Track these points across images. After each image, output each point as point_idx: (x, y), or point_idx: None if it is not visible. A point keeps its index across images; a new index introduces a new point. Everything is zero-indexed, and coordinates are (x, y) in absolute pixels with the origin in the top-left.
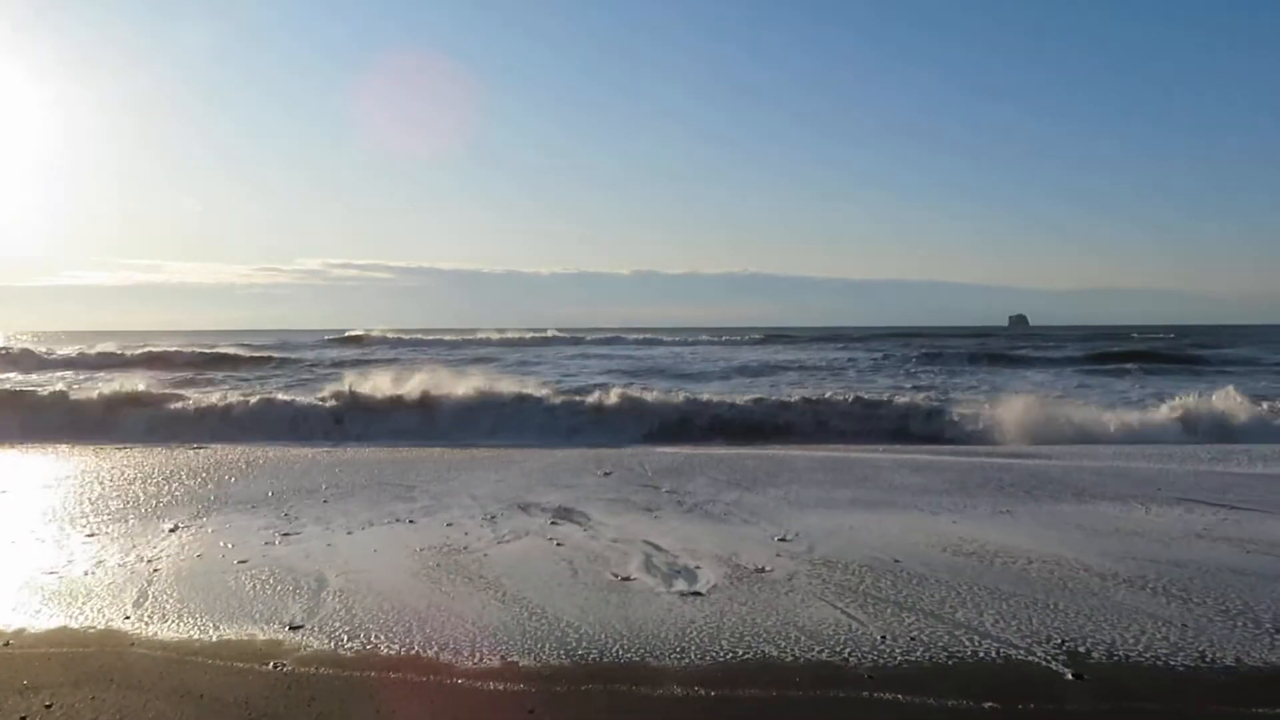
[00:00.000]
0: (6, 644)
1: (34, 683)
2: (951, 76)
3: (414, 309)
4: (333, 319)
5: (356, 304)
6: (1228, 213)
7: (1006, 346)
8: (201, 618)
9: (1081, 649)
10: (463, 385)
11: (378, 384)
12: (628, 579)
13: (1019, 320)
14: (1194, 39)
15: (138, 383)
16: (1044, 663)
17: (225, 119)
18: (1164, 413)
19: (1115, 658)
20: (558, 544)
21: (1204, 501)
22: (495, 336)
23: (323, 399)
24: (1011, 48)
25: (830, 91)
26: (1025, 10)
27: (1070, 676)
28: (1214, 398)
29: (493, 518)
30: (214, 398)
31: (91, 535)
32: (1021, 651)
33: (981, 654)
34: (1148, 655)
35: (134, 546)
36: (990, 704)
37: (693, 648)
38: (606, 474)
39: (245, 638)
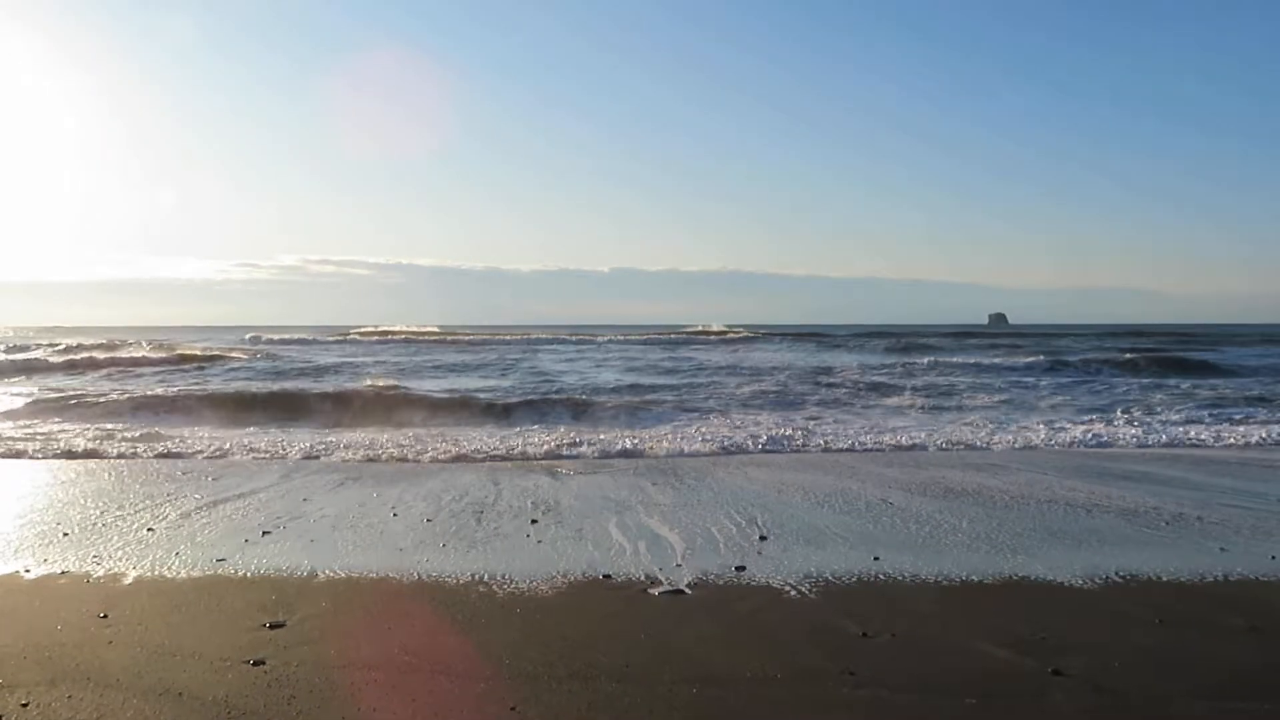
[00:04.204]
0: None
1: (10, 681)
2: (932, 73)
3: (393, 306)
4: (313, 315)
5: (336, 300)
6: (1210, 212)
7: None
8: (180, 615)
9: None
10: None
11: None
12: (609, 576)
13: (998, 318)
14: (1180, 37)
15: None
16: (1023, 660)
17: (201, 113)
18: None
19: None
20: (538, 541)
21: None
22: (432, 338)
23: None
24: (992, 44)
25: (811, 88)
26: (1007, 6)
27: (1050, 673)
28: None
29: (479, 514)
30: None
31: (66, 534)
32: (992, 644)
33: (960, 650)
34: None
35: (111, 547)
36: (970, 700)
37: (674, 644)
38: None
39: (224, 635)
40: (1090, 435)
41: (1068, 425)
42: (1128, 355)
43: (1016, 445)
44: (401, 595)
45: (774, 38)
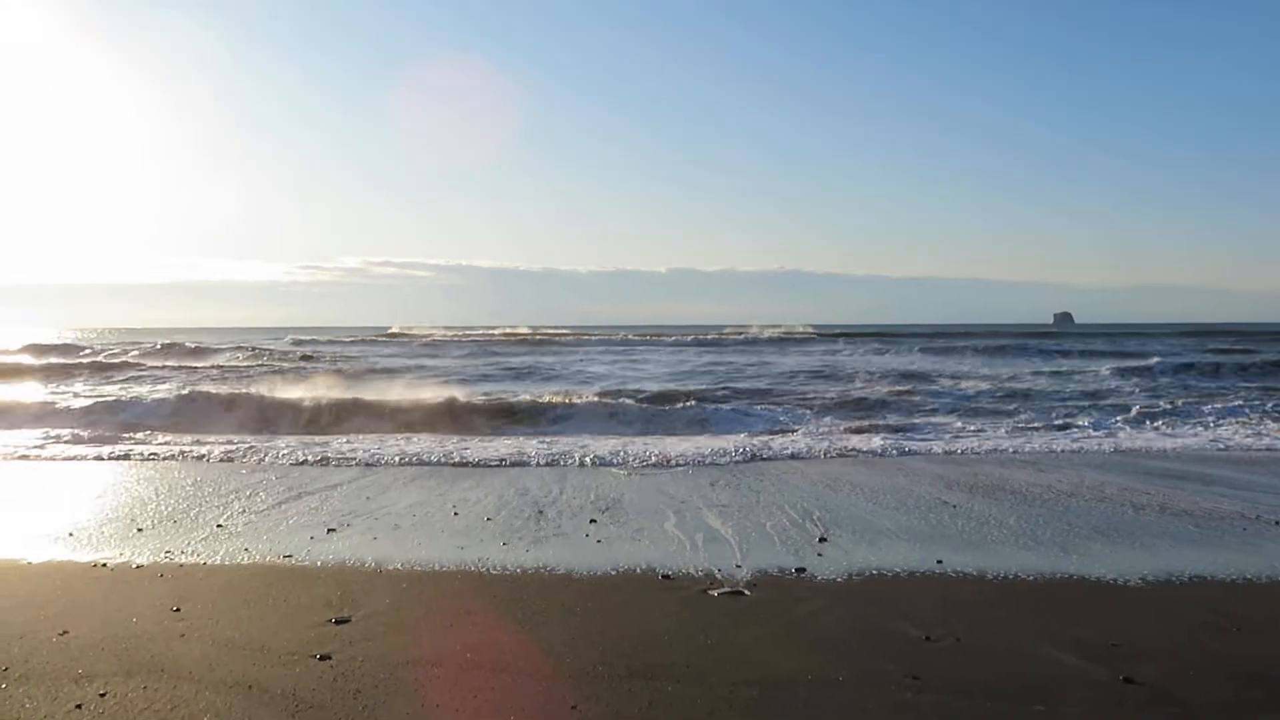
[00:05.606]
0: (62, 633)
1: (88, 672)
2: (991, 70)
3: (453, 307)
4: (373, 316)
5: (396, 301)
6: (1271, 209)
7: None
8: (249, 610)
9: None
10: None
11: None
12: (668, 576)
13: (1064, 318)
14: (1242, 27)
15: None
16: (1093, 666)
17: (267, 120)
18: None
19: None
20: (597, 540)
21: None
22: (478, 338)
23: None
24: (1049, 38)
25: (869, 86)
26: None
27: (1121, 680)
28: None
29: (540, 512)
30: None
31: (140, 530)
32: (1060, 650)
33: (1027, 655)
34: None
35: (183, 542)
36: (1039, 707)
37: (734, 645)
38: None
39: (292, 630)
40: (1185, 442)
41: (1159, 429)
42: (1257, 358)
43: (1120, 449)
44: (463, 593)
45: (824, 37)
